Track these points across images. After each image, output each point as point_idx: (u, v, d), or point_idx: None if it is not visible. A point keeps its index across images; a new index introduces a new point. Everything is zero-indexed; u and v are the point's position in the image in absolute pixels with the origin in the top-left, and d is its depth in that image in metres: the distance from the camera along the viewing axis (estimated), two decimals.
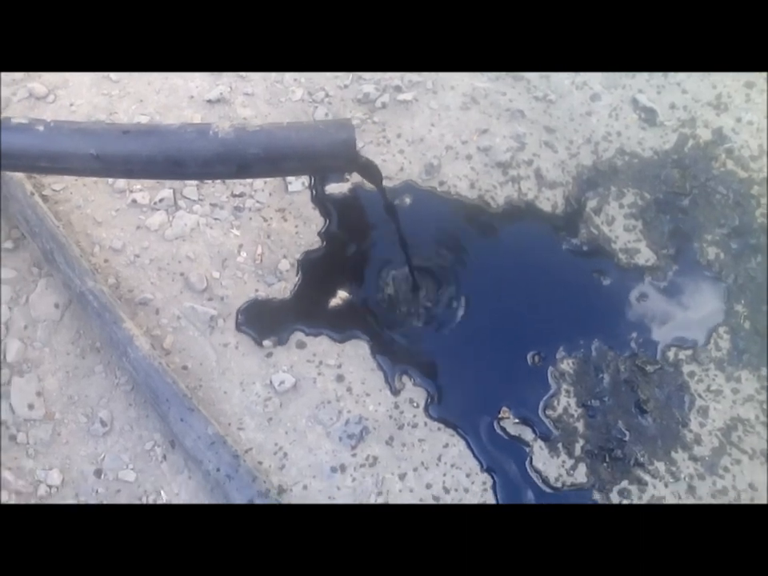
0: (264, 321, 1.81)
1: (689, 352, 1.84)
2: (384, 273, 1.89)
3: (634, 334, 1.85)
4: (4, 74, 2.11)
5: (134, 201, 1.95)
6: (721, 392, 1.80)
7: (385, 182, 1.94)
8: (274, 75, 2.19)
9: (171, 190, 1.96)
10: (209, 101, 2.12)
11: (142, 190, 1.96)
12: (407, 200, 2.00)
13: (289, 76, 2.19)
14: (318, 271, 1.89)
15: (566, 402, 1.76)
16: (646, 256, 1.98)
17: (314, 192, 1.96)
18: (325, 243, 1.93)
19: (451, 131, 2.12)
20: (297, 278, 1.87)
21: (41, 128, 1.48)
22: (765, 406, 1.78)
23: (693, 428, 1.75)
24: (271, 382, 1.73)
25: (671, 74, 2.31)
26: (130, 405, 1.71)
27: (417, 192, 2.01)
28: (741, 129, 2.22)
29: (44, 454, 1.65)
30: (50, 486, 1.62)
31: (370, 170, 1.67)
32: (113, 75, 2.16)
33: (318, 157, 1.53)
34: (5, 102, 2.07)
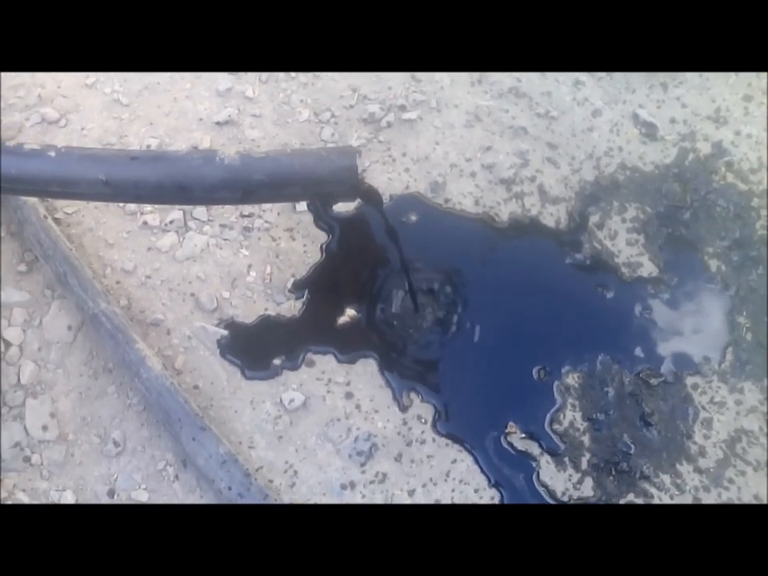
0: (275, 340, 1.85)
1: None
2: (390, 292, 1.92)
3: (638, 348, 1.87)
4: (18, 100, 2.16)
5: (145, 222, 1.99)
6: (724, 404, 1.82)
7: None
8: (281, 96, 2.23)
9: (181, 212, 2.00)
10: (217, 123, 2.16)
11: (152, 211, 2.00)
12: (413, 217, 2.03)
13: (295, 97, 2.23)
14: (326, 289, 1.92)
15: (571, 416, 1.78)
16: (648, 269, 2.00)
17: (318, 213, 2.00)
18: (330, 261, 1.96)
19: (455, 149, 2.15)
20: (305, 297, 1.91)
21: (52, 154, 1.52)
22: None
23: (697, 440, 1.77)
24: (281, 400, 1.76)
25: (671, 89, 2.34)
26: (143, 425, 1.74)
27: (422, 208, 2.05)
28: (740, 142, 2.25)
29: (58, 475, 1.69)
30: None
31: (372, 196, 1.72)
32: (123, 99, 2.20)
33: (321, 183, 1.57)
34: (18, 127, 2.12)
